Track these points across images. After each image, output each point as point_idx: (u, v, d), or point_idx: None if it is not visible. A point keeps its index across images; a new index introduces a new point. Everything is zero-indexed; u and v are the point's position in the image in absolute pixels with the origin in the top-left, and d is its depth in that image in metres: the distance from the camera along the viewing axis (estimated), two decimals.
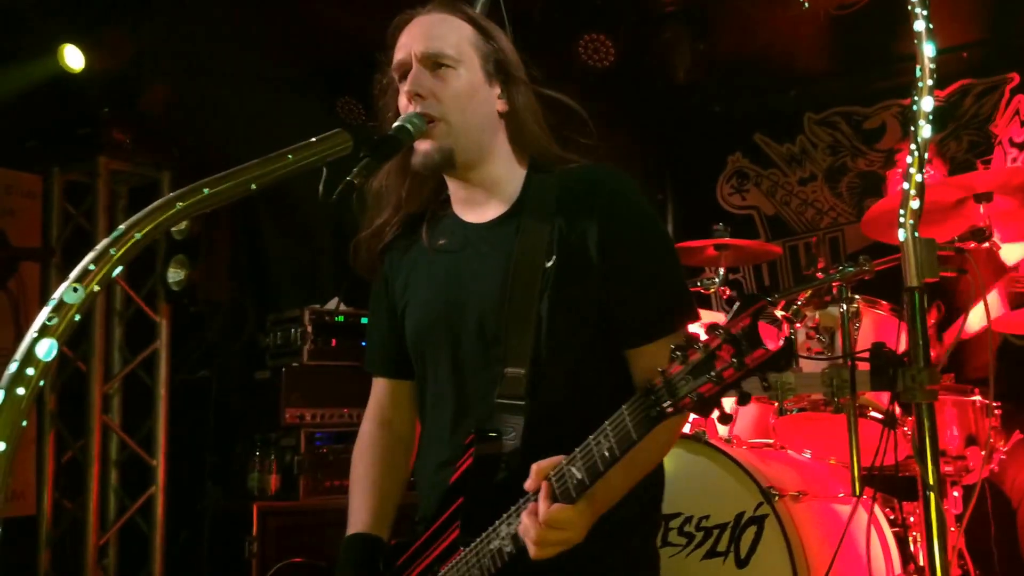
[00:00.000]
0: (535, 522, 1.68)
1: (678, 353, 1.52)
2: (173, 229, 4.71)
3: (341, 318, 4.95)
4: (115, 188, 4.92)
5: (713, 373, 1.47)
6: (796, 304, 3.55)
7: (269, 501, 4.57)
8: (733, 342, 1.45)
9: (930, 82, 1.98)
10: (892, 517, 3.65)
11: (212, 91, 5.33)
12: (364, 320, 4.97)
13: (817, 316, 3.62)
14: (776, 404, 3.76)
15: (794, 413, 3.75)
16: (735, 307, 1.48)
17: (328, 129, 1.60)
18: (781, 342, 1.44)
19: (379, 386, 2.28)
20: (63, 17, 4.67)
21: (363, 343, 4.80)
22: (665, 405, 1.54)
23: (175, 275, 4.79)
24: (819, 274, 3.53)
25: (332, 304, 5.04)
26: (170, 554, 4.79)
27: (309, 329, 4.80)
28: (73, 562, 4.56)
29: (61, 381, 4.77)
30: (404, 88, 1.97)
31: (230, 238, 5.17)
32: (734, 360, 1.44)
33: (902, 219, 1.95)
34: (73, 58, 4.65)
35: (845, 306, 3.50)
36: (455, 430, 2.00)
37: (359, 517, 2.13)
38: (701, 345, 1.49)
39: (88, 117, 4.65)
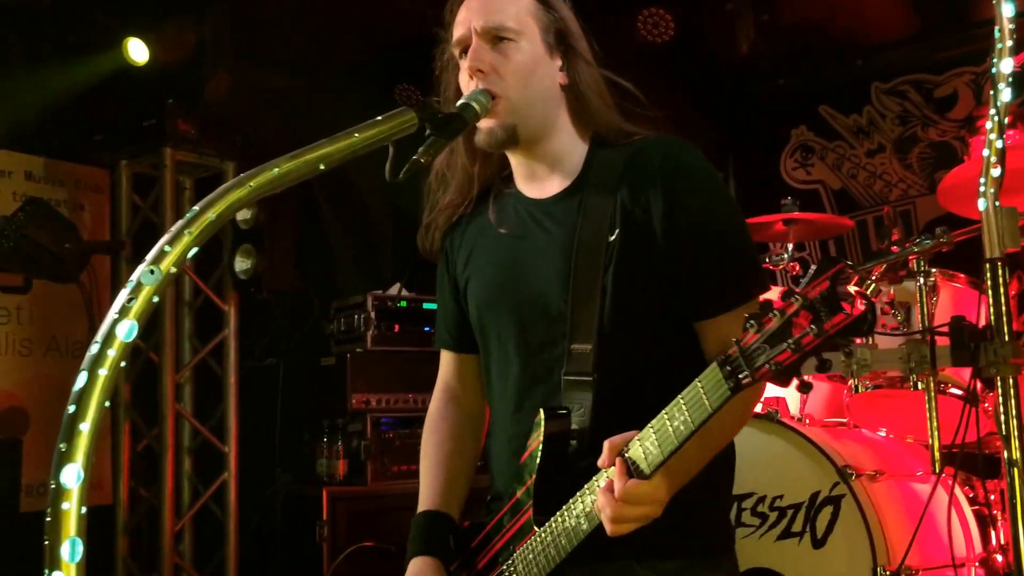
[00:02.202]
0: (611, 499, 1.65)
1: (753, 321, 1.45)
2: (239, 219, 4.75)
3: (403, 304, 4.97)
4: (180, 179, 4.98)
5: (791, 340, 1.40)
6: (870, 279, 3.46)
7: (338, 486, 4.60)
8: (811, 308, 1.38)
9: (1010, 43, 1.92)
10: (972, 496, 3.57)
11: (272, 80, 5.36)
12: (426, 306, 4.98)
13: (892, 291, 3.54)
14: (850, 382, 3.69)
15: (869, 391, 3.68)
16: (811, 271, 1.41)
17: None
18: (863, 305, 1.37)
19: (446, 361, 2.26)
20: (127, 11, 4.72)
21: (426, 328, 4.88)
22: (742, 376, 1.48)
23: (242, 264, 4.84)
24: (893, 247, 3.44)
25: (394, 290, 5.06)
26: (243, 539, 4.86)
27: (372, 315, 4.82)
28: (150, 549, 4.64)
29: (134, 372, 4.85)
30: (465, 64, 1.95)
31: (293, 227, 5.21)
32: (813, 326, 1.38)
33: (982, 188, 1.89)
34: (137, 51, 4.70)
35: (922, 279, 3.41)
36: (523, 408, 1.98)
37: (429, 495, 2.12)
38: (777, 312, 1.43)
39: (153, 109, 4.70)
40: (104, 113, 4.88)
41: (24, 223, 4.27)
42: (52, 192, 4.78)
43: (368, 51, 5.56)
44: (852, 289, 3.63)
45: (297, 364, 5.24)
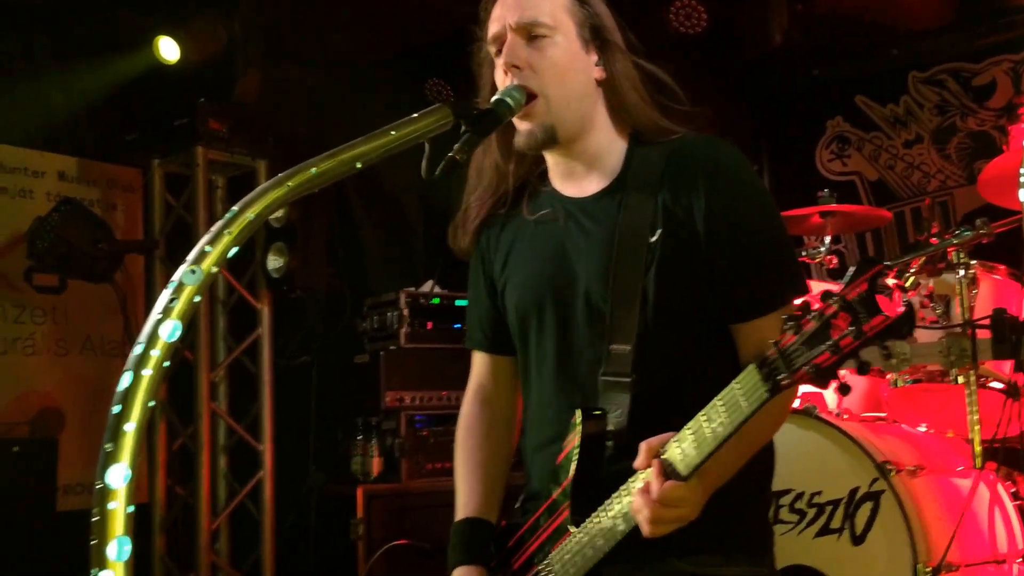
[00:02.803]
0: (648, 500, 1.64)
1: (791, 323, 1.45)
2: (270, 217, 4.75)
3: (436, 300, 4.95)
4: (213, 178, 4.99)
5: (830, 342, 1.40)
6: (909, 272, 3.41)
7: (373, 484, 4.60)
8: (849, 309, 1.38)
9: None
10: (1014, 491, 3.53)
11: (302, 77, 5.37)
12: (459, 303, 4.96)
13: (931, 284, 3.50)
14: (889, 376, 3.64)
15: (908, 385, 3.63)
16: (850, 272, 1.40)
17: (417, 110, 1.57)
18: (902, 307, 1.36)
19: (479, 362, 2.25)
20: (157, 10, 4.74)
21: (456, 325, 4.86)
22: (780, 377, 1.48)
23: (275, 262, 4.84)
24: (932, 239, 3.39)
25: (427, 287, 5.04)
26: (278, 537, 4.87)
27: (405, 312, 4.81)
28: (186, 547, 4.66)
29: (169, 371, 4.87)
30: (500, 61, 1.93)
31: (326, 225, 5.21)
32: (852, 328, 1.38)
33: (1023, 178, 1.84)
34: (168, 50, 4.72)
35: (962, 272, 3.36)
36: (560, 408, 1.96)
37: (467, 501, 2.11)
38: (815, 313, 1.43)
39: (184, 108, 4.70)
40: (136, 112, 4.89)
41: (59, 223, 4.31)
42: (85, 192, 4.81)
43: (398, 46, 5.55)
44: (890, 282, 3.58)
45: (330, 362, 5.24)
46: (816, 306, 1.43)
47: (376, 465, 4.68)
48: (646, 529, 1.66)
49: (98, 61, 4.73)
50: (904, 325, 1.37)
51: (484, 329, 2.20)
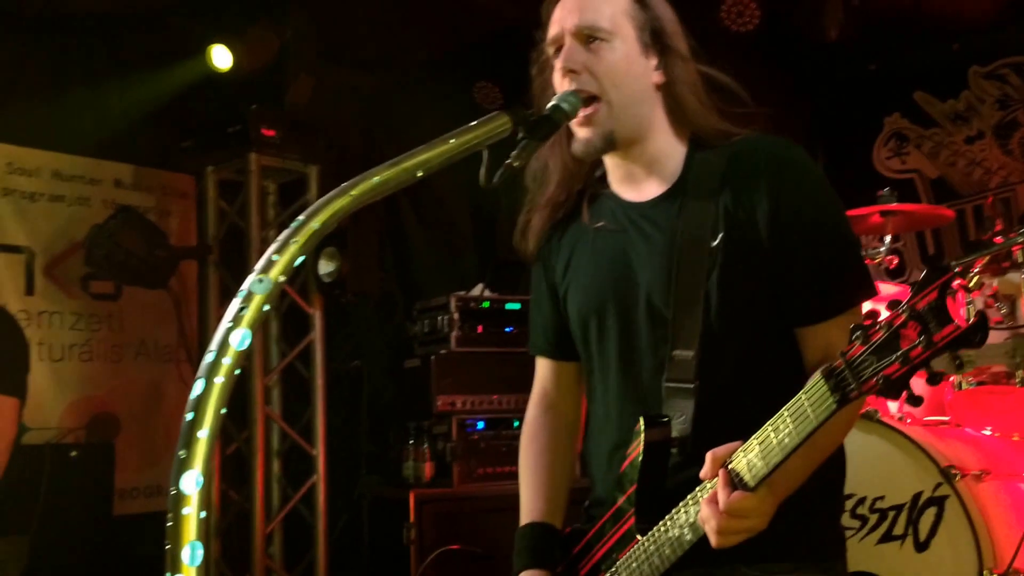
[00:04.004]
0: (716, 511, 1.62)
1: (859, 333, 1.41)
2: None
3: (487, 304, 4.92)
4: (265, 184, 5.01)
5: (899, 353, 1.36)
6: (972, 271, 3.34)
7: (425, 488, 4.59)
8: (919, 319, 1.33)
9: None
10: None
11: (352, 82, 5.38)
12: (509, 306, 4.92)
13: (995, 283, 3.42)
14: (952, 379, 3.57)
15: (972, 387, 3.55)
16: (920, 279, 1.36)
17: (465, 114, 1.58)
18: (974, 317, 1.31)
19: (543, 368, 2.25)
20: (210, 18, 4.78)
21: (508, 329, 4.83)
22: (849, 389, 1.44)
23: (326, 267, 4.85)
24: (997, 237, 3.31)
25: (477, 290, 5.02)
26: (331, 541, 4.88)
27: (456, 316, 4.79)
28: (241, 551, 4.69)
29: None
30: (558, 64, 1.92)
31: (376, 229, 5.21)
32: (921, 338, 1.33)
33: None
34: (221, 57, 4.75)
35: None
36: (624, 415, 1.95)
37: (532, 506, 2.11)
38: (883, 323, 1.38)
39: (237, 115, 4.74)
40: (190, 120, 4.94)
41: (115, 231, 4.36)
42: (140, 199, 4.86)
43: (446, 48, 5.54)
44: (955, 283, 3.50)
45: (382, 367, 5.25)
46: (884, 315, 1.39)
47: (428, 470, 4.66)
48: (714, 540, 1.65)
49: (153, 70, 4.79)
50: (977, 334, 1.33)
51: (547, 335, 2.19)
